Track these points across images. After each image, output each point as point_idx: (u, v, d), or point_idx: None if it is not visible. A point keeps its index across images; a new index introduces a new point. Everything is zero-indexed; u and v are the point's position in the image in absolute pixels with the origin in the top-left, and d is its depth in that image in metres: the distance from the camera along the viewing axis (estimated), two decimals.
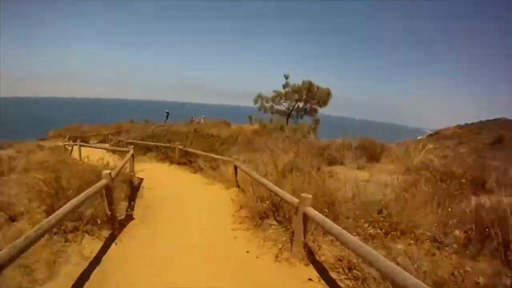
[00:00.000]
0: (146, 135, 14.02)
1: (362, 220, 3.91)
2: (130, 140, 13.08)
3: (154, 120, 29.69)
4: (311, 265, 3.47)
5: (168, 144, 10.99)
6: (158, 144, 11.62)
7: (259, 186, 5.18)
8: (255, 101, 23.02)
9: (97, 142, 20.90)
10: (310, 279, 3.21)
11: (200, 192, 7.11)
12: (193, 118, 30.35)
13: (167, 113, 28.27)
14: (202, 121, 29.25)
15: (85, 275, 3.23)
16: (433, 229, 3.69)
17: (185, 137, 11.62)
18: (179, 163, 10.38)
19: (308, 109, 24.60)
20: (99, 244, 3.94)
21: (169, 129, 14.39)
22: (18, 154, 13.64)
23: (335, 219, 3.84)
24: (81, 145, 11.96)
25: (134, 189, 7.01)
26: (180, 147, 10.23)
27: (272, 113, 23.15)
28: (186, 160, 10.30)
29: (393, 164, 8.46)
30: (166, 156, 11.12)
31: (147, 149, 12.14)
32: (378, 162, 9.18)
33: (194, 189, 7.39)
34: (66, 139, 17.15)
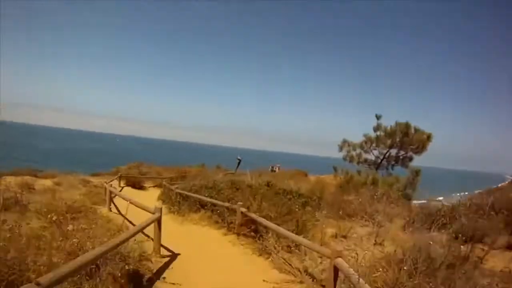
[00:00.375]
0: (206, 185, 10.83)
1: None
2: (180, 191, 10.28)
3: (228, 167, 27.81)
4: None
5: (227, 204, 7.69)
6: (214, 201, 8.43)
7: None
8: (341, 148, 19.00)
9: (154, 186, 19.24)
10: None
11: None
12: (272, 167, 28.84)
13: (239, 160, 26.06)
14: (277, 170, 27.67)
15: None
16: None
17: (253, 194, 8.18)
18: (238, 234, 6.93)
19: (401, 157, 19.73)
20: None
21: (236, 179, 11.15)
22: (56, 186, 12.34)
23: None
24: (111, 191, 9.72)
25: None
26: (243, 210, 6.83)
27: (358, 163, 18.73)
28: (250, 229, 6.80)
29: None
30: (222, 219, 7.82)
31: (200, 206, 9.05)
32: None
33: None
34: (116, 177, 15.40)
